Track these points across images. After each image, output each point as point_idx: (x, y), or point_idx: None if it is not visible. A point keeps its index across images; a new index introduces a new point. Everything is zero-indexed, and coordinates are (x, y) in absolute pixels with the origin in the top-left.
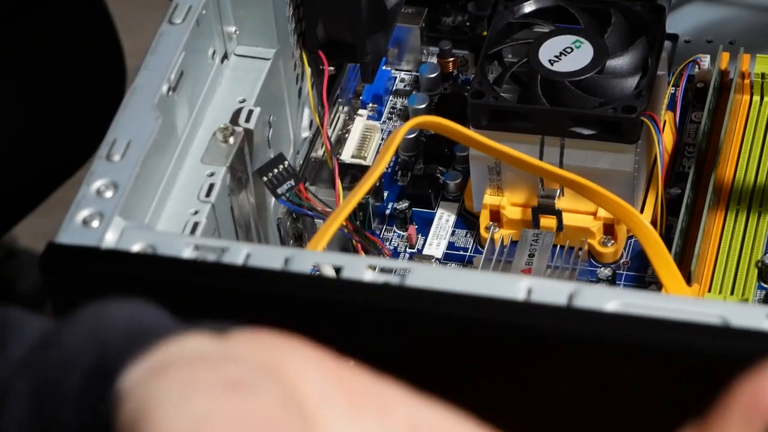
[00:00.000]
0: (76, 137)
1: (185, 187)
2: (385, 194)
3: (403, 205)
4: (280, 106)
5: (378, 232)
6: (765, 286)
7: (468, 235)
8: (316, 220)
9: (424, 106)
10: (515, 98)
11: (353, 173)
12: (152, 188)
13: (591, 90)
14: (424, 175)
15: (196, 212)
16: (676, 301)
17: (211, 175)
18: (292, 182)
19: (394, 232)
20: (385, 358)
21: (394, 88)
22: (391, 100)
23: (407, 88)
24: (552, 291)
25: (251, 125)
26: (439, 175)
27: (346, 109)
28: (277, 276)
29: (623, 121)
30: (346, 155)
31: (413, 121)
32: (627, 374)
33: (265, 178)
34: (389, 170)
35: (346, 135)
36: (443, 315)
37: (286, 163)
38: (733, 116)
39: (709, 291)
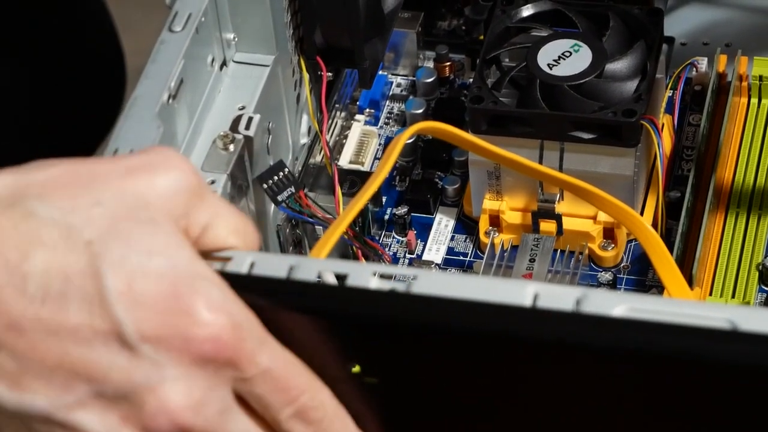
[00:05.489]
0: (76, 137)
1: None
2: (384, 200)
3: (402, 210)
4: (279, 113)
5: (377, 238)
6: (766, 288)
7: (467, 240)
8: (316, 227)
9: (421, 110)
10: (514, 103)
11: (351, 179)
12: None
13: (590, 94)
14: (422, 180)
15: None
16: (684, 306)
17: (212, 182)
18: (293, 189)
19: (394, 237)
20: (391, 365)
21: (391, 92)
22: (388, 105)
23: (404, 92)
24: (559, 297)
25: (251, 132)
26: (437, 180)
27: (343, 114)
28: (283, 284)
29: (623, 124)
30: (344, 161)
31: (415, 127)
32: (635, 380)
33: (265, 186)
34: (388, 175)
35: (344, 140)
36: (448, 323)
37: (286, 170)
38: (731, 119)
39: (710, 294)
